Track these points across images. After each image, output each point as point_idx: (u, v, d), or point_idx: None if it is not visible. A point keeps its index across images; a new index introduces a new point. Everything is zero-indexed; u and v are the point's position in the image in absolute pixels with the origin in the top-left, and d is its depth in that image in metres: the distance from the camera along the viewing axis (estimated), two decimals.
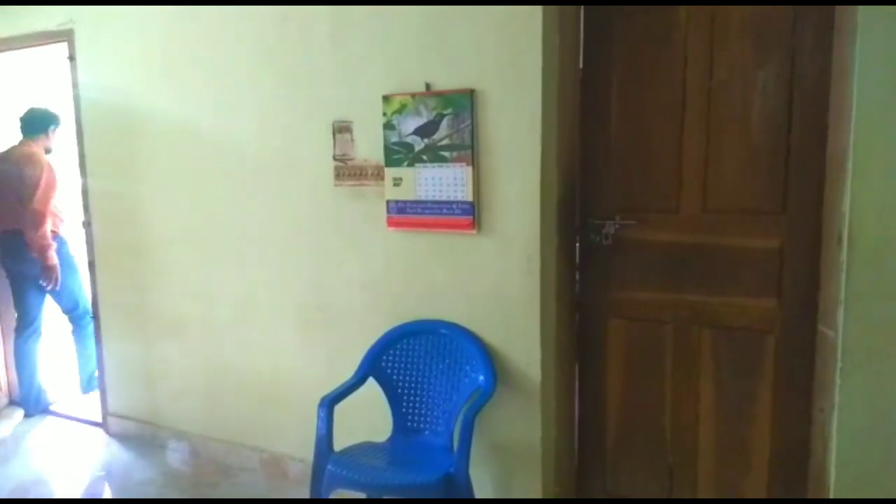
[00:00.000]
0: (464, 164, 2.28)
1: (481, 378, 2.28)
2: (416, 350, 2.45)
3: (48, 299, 3.75)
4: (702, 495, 2.33)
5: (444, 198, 2.34)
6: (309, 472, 2.25)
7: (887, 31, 1.73)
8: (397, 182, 2.42)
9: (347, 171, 2.54)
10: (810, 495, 2.12)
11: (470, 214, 2.29)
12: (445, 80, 2.29)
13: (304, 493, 2.46)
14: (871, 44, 1.75)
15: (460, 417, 2.17)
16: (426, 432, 2.40)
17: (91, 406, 3.63)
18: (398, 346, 2.47)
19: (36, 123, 3.64)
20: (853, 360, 1.85)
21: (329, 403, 2.25)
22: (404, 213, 2.42)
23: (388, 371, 2.46)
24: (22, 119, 3.66)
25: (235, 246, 2.89)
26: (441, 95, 2.29)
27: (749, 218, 2.16)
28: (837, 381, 1.87)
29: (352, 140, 2.52)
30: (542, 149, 2.17)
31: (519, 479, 2.37)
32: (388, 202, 2.45)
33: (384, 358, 2.47)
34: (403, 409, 2.44)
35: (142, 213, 3.14)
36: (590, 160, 2.40)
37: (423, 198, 2.38)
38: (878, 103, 1.76)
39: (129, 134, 3.10)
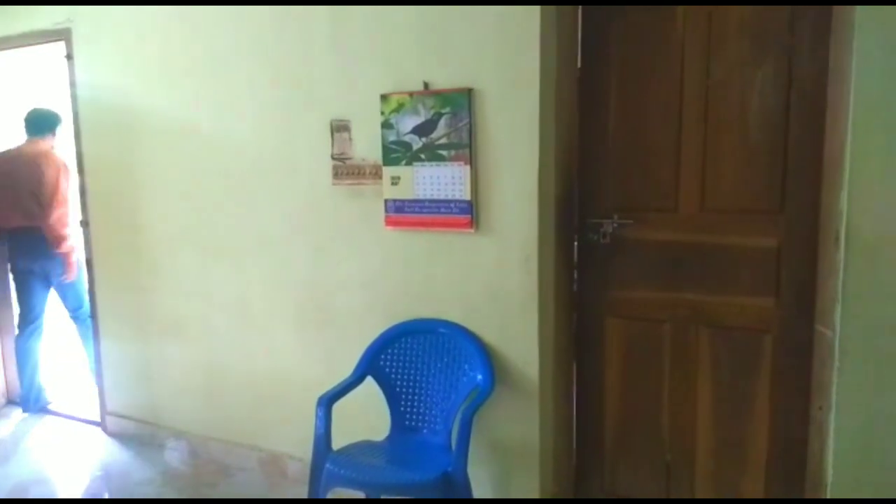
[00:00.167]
0: (462, 163, 2.28)
1: (479, 377, 2.28)
2: (415, 349, 2.46)
3: (50, 298, 3.76)
4: (699, 494, 2.33)
5: (442, 197, 2.34)
6: (307, 471, 2.25)
7: (884, 31, 1.74)
8: (395, 181, 2.42)
9: (345, 170, 2.54)
10: (808, 494, 2.13)
11: (468, 213, 2.30)
12: (443, 79, 2.29)
13: (303, 492, 2.46)
14: (867, 43, 1.75)
15: (458, 416, 2.17)
16: (424, 431, 2.40)
17: (89, 405, 3.63)
18: (396, 344, 2.47)
19: (44, 123, 3.66)
20: (850, 360, 1.85)
21: (327, 402, 2.25)
22: (402, 212, 2.42)
23: (387, 370, 2.46)
24: (29, 118, 3.68)
25: (234, 245, 2.89)
26: (439, 94, 2.29)
27: (747, 217, 2.17)
28: (835, 379, 1.87)
29: (350, 139, 2.52)
30: (540, 148, 2.17)
31: (517, 477, 2.37)
32: (386, 201, 2.45)
33: (382, 357, 2.47)
34: (402, 408, 2.45)
35: (140, 212, 3.14)
36: (588, 159, 2.40)
37: (421, 197, 2.38)
38: (874, 103, 1.76)
39: (127, 133, 3.10)
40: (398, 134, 2.39)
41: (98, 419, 3.49)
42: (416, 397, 2.44)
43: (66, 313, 3.84)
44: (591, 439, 2.52)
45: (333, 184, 2.58)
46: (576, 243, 2.46)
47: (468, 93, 2.24)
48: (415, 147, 2.36)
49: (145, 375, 3.27)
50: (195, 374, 3.10)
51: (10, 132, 3.88)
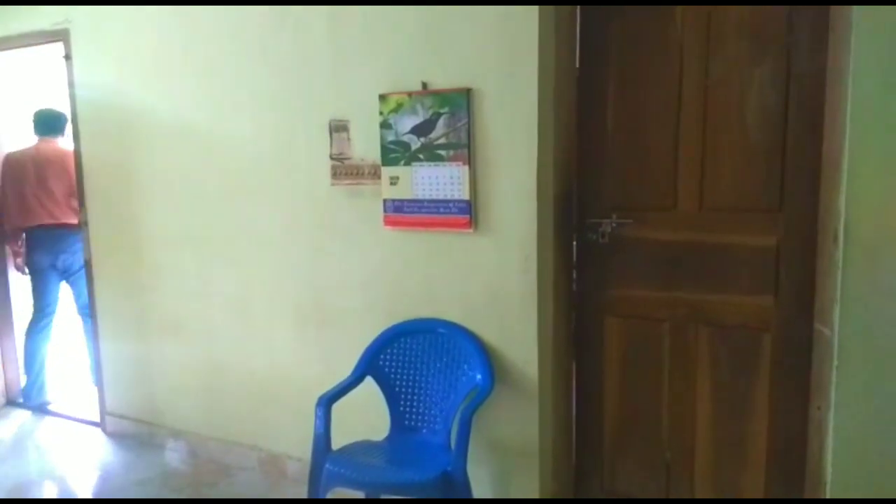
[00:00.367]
0: (460, 162, 2.28)
1: (479, 376, 2.28)
2: (414, 349, 2.46)
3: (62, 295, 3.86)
4: (699, 493, 2.34)
5: (440, 197, 2.34)
6: (307, 470, 2.25)
7: (882, 31, 1.74)
8: (394, 181, 2.42)
9: (344, 170, 2.54)
10: (807, 492, 2.13)
11: (467, 213, 2.30)
12: (442, 79, 2.29)
13: (302, 492, 2.46)
14: (865, 43, 1.76)
15: (458, 416, 2.17)
16: (424, 431, 2.41)
17: (89, 405, 3.63)
18: (396, 344, 2.47)
19: (55, 122, 3.73)
20: (849, 358, 1.85)
21: (327, 402, 2.25)
22: (401, 211, 2.42)
23: (386, 370, 2.46)
24: (40, 118, 3.74)
25: (232, 245, 2.89)
26: (438, 94, 2.29)
27: (746, 216, 2.17)
28: (834, 378, 1.87)
29: (348, 139, 2.52)
30: (538, 147, 2.17)
31: (517, 477, 2.37)
32: (384, 201, 2.45)
33: (382, 357, 2.47)
34: (401, 408, 2.45)
35: (139, 212, 3.14)
36: (587, 159, 2.40)
37: (419, 197, 2.38)
38: (872, 102, 1.76)
39: (126, 133, 3.10)
40: (397, 134, 2.39)
41: (97, 419, 3.49)
42: (415, 397, 2.44)
43: (74, 309, 3.90)
44: (590, 438, 2.52)
45: (332, 184, 2.58)
46: (575, 243, 2.46)
47: (467, 93, 2.24)
48: (413, 147, 2.36)
49: (145, 375, 3.27)
50: (195, 373, 3.10)
51: (10, 132, 3.89)
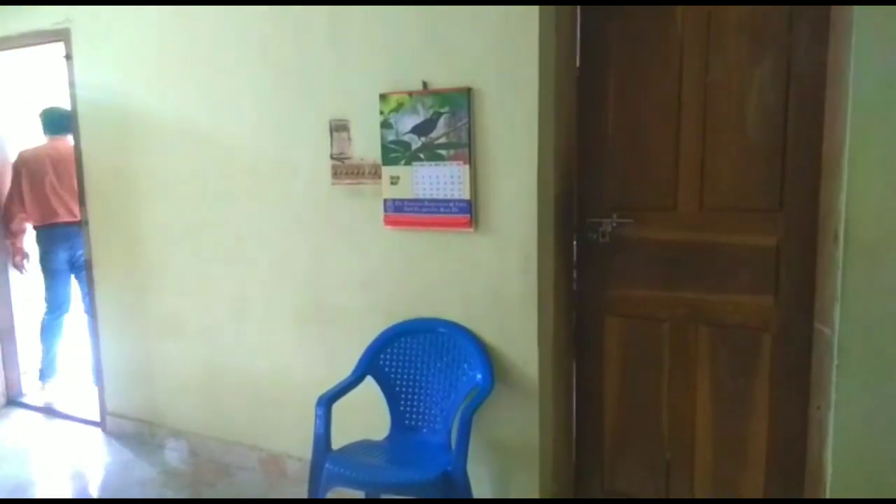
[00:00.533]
0: (461, 162, 2.28)
1: (479, 376, 2.28)
2: (414, 348, 2.46)
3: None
4: (699, 493, 2.34)
5: (441, 196, 2.34)
6: (307, 470, 2.25)
7: (882, 30, 1.74)
8: (394, 180, 2.42)
9: (345, 169, 2.54)
10: (807, 492, 2.13)
11: (467, 213, 2.30)
12: (443, 79, 2.29)
13: (303, 492, 2.46)
14: (865, 42, 1.76)
15: (458, 415, 2.17)
16: (424, 430, 2.41)
17: (89, 405, 3.63)
18: (396, 344, 2.47)
19: (63, 121, 3.72)
20: (849, 358, 1.85)
21: (327, 402, 2.25)
22: (402, 211, 2.42)
23: (386, 369, 2.46)
24: (49, 117, 3.77)
25: (233, 244, 2.89)
26: (438, 94, 2.29)
27: (746, 216, 2.17)
28: (834, 378, 1.87)
29: (349, 138, 2.52)
30: (539, 147, 2.17)
31: (517, 476, 2.37)
32: (385, 201, 2.46)
33: (382, 356, 2.47)
34: (401, 408, 2.45)
35: (139, 211, 3.14)
36: (587, 158, 2.40)
37: (420, 196, 2.38)
38: (872, 101, 1.76)
39: (127, 133, 3.10)
40: (397, 133, 2.39)
41: (98, 419, 3.49)
42: (415, 397, 2.44)
43: (82, 307, 3.92)
44: (590, 438, 2.52)
45: (333, 183, 2.58)
46: (575, 242, 2.46)
47: (467, 92, 2.24)
48: (414, 146, 2.36)
49: (145, 375, 3.27)
50: (195, 373, 3.10)
51: (10, 132, 3.89)
